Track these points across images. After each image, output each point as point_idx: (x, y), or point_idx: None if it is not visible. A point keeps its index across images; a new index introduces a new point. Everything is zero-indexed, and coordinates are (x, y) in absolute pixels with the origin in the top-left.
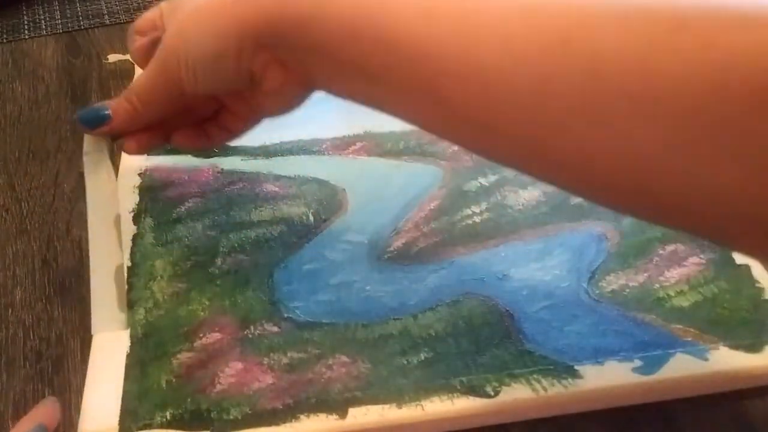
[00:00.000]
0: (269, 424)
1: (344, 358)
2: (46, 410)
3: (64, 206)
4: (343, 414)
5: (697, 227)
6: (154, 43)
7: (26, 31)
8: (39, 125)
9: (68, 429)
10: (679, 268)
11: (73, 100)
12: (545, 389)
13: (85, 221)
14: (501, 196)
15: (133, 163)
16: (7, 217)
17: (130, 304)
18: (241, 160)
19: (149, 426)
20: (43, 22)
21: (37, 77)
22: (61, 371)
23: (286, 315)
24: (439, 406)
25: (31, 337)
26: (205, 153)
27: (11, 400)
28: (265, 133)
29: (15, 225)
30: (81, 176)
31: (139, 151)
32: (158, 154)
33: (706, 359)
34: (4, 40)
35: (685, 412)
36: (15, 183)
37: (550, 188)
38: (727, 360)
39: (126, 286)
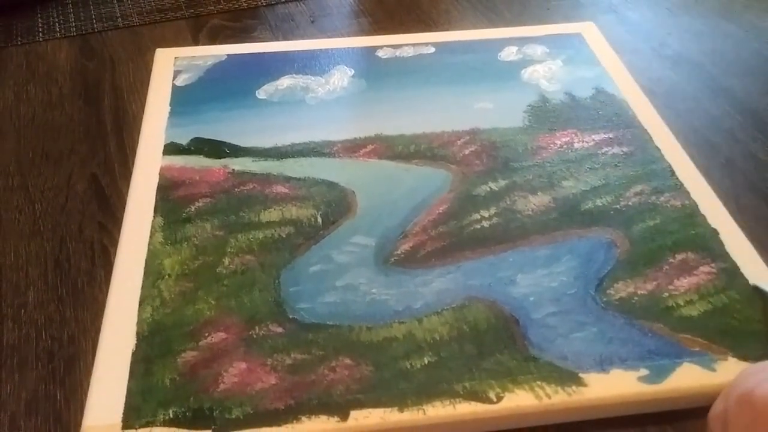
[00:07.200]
0: (270, 424)
1: (347, 361)
2: None
3: (77, 207)
4: (344, 416)
5: None
6: None
7: (40, 34)
8: (53, 127)
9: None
10: (690, 277)
11: (86, 102)
12: (549, 396)
13: (98, 222)
14: (510, 201)
15: (148, 162)
16: (21, 218)
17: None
18: (252, 161)
19: (152, 423)
20: (57, 24)
21: (51, 79)
22: (73, 372)
23: (291, 316)
24: (440, 411)
25: (44, 337)
26: (216, 153)
27: (23, 400)
28: (277, 134)
29: (28, 226)
30: (93, 177)
31: None
32: (171, 153)
33: (714, 370)
34: (19, 43)
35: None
36: (28, 184)
37: (559, 194)
38: (736, 371)
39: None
